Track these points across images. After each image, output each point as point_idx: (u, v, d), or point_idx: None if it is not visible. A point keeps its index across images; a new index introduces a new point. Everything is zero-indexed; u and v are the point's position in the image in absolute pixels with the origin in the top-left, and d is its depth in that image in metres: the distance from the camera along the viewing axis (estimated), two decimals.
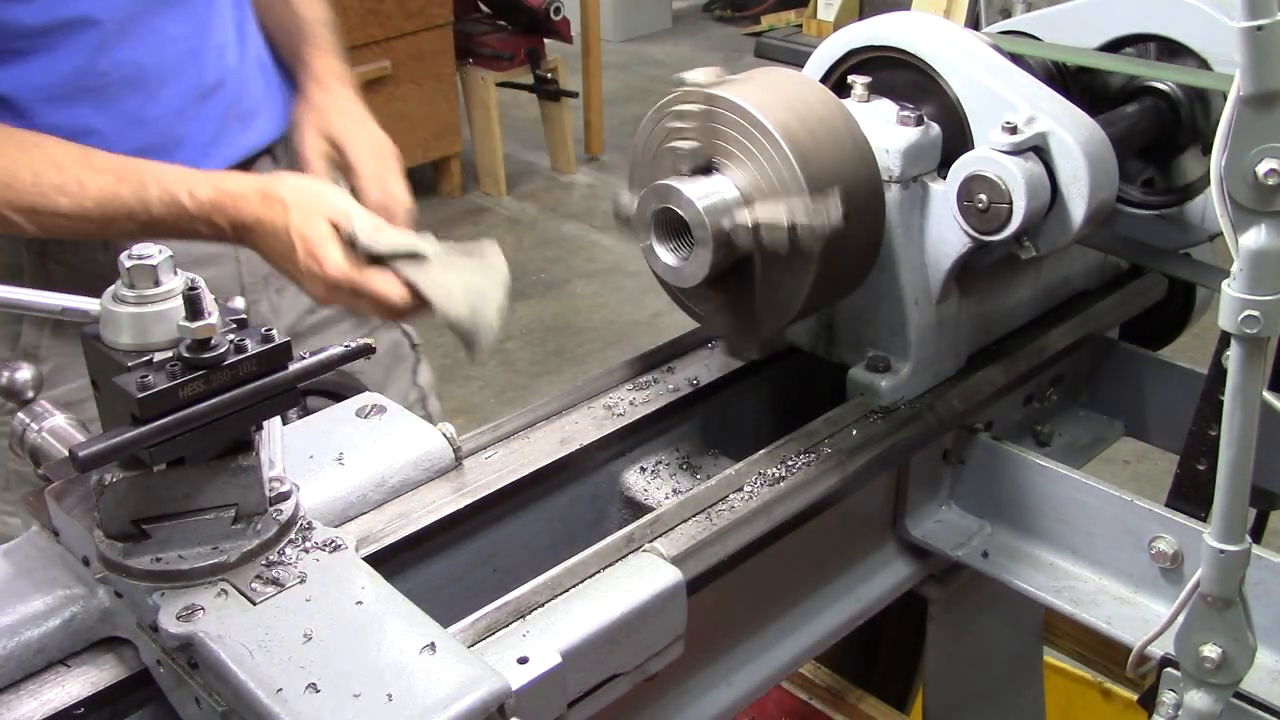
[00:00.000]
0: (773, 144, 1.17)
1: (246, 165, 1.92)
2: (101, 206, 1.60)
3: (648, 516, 1.15)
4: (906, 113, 1.27)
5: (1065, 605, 1.34)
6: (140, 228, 1.61)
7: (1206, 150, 1.50)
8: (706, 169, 1.22)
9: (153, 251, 0.94)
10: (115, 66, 1.74)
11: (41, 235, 1.66)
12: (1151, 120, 1.48)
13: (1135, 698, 1.24)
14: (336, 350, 0.98)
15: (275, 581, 0.94)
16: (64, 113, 1.71)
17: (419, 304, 1.59)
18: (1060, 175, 1.24)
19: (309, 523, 1.01)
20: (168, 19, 1.79)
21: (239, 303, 1.00)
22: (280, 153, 2.01)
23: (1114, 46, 1.43)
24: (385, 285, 1.57)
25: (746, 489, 1.20)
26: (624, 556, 1.10)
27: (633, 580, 1.07)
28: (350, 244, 1.55)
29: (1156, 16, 1.38)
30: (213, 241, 1.66)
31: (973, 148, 1.26)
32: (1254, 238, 0.91)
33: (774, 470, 1.23)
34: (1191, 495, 1.36)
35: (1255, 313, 0.92)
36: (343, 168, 1.82)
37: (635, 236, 1.27)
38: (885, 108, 1.30)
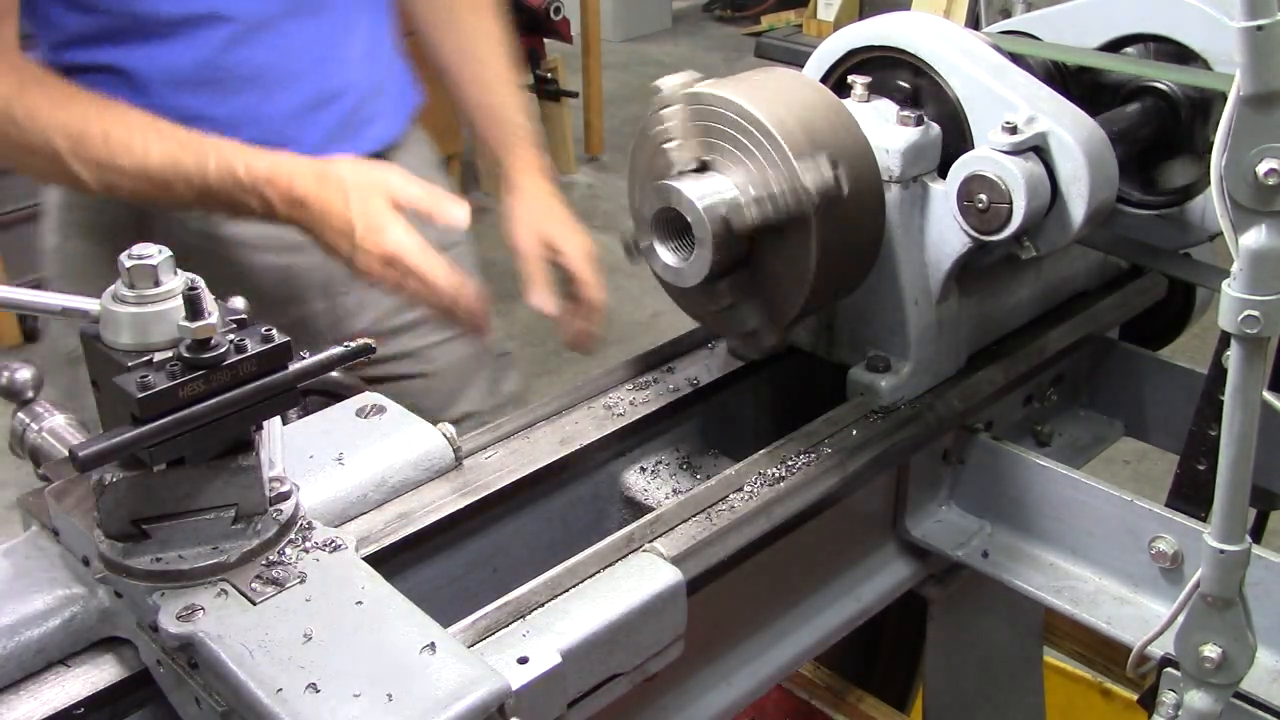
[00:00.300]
0: (771, 143, 1.17)
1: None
2: (161, 170, 1.64)
3: (648, 516, 1.15)
4: (906, 113, 1.27)
5: (1065, 605, 1.34)
6: (195, 195, 1.66)
7: (1206, 150, 1.50)
8: (700, 168, 1.21)
9: (153, 251, 0.94)
10: (240, 64, 1.81)
11: (100, 191, 1.68)
12: (1151, 120, 1.48)
13: (1135, 698, 1.24)
14: (336, 350, 0.98)
15: (275, 581, 0.94)
16: (183, 99, 1.79)
17: (468, 299, 1.69)
18: (1060, 175, 1.24)
19: (309, 523, 1.01)
20: (299, 26, 1.85)
21: (239, 303, 1.00)
22: (392, 157, 2.05)
23: (1114, 46, 1.43)
24: (441, 270, 1.66)
25: (746, 489, 1.20)
26: (624, 556, 1.10)
27: (633, 580, 1.07)
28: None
29: (1156, 16, 1.38)
30: (264, 218, 1.70)
31: (973, 148, 1.26)
32: (1254, 238, 0.91)
33: (774, 470, 1.23)
34: (1191, 495, 1.36)
35: (1255, 313, 0.92)
36: (563, 270, 1.91)
37: (645, 261, 1.27)
38: (885, 108, 1.30)
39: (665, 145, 1.22)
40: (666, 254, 1.24)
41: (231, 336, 0.93)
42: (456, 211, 1.70)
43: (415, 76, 2.19)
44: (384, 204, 1.68)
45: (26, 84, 1.65)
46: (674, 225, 1.22)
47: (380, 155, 2.02)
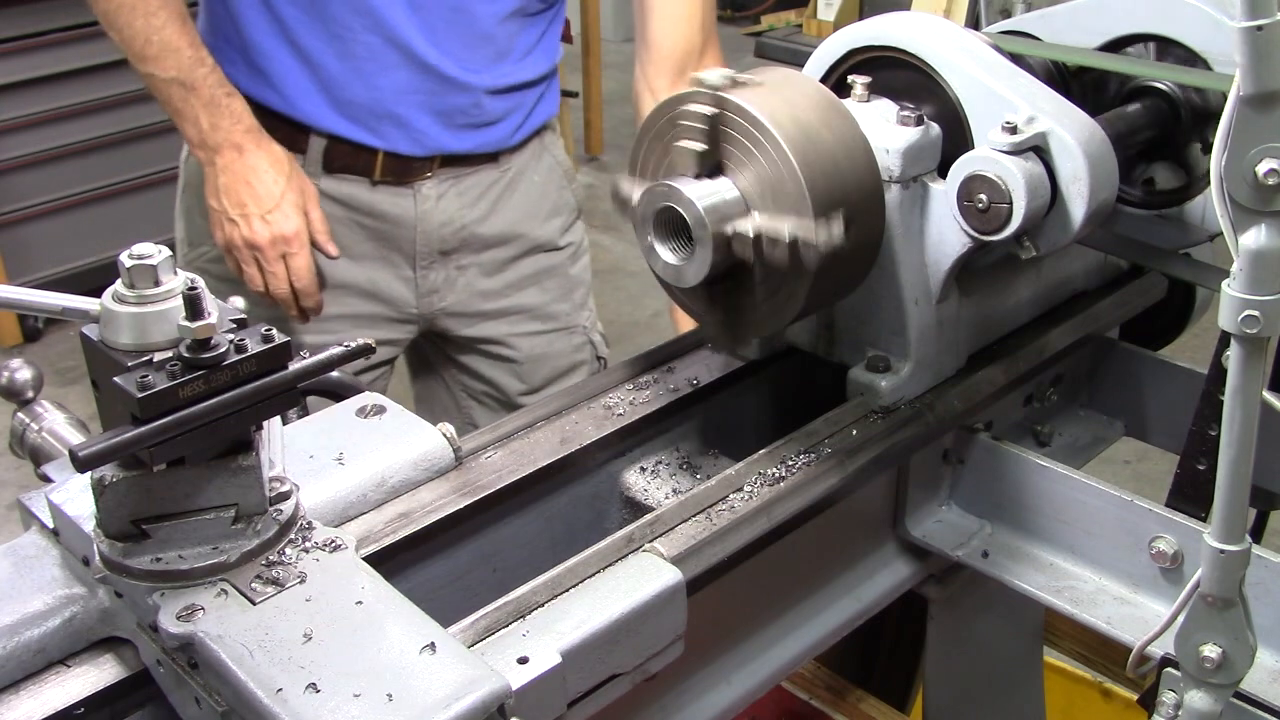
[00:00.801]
0: (773, 145, 1.17)
1: (466, 159, 2.12)
2: (164, 43, 1.89)
3: (648, 516, 1.15)
4: (906, 113, 1.27)
5: (1065, 605, 1.34)
6: (171, 77, 1.90)
7: (1206, 150, 1.50)
8: (711, 171, 1.21)
9: (153, 251, 0.94)
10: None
11: (103, 23, 1.93)
12: (1151, 120, 1.47)
13: (1135, 698, 1.24)
14: (336, 350, 0.98)
15: (275, 581, 0.94)
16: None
17: (308, 304, 2.00)
18: (1060, 175, 1.24)
19: (309, 523, 1.01)
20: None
21: (238, 302, 1.00)
22: (505, 158, 2.18)
23: (1114, 46, 1.43)
24: (308, 276, 1.96)
25: (746, 489, 1.20)
26: (624, 556, 1.10)
27: (633, 580, 1.07)
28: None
29: (1156, 16, 1.38)
30: (188, 140, 1.96)
31: (973, 148, 1.26)
32: (1254, 238, 0.91)
33: (774, 470, 1.23)
34: (1191, 495, 1.36)
35: (1255, 313, 0.92)
36: None
37: (633, 220, 1.27)
38: (885, 108, 1.30)
39: (685, 143, 1.21)
40: (666, 254, 1.24)
41: (231, 336, 0.93)
42: (331, 248, 2.01)
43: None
44: (298, 200, 1.93)
45: None
46: (674, 225, 1.22)
47: (494, 157, 2.16)
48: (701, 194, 1.18)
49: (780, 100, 1.20)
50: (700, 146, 1.21)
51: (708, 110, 1.20)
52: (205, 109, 1.90)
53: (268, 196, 1.91)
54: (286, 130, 2.04)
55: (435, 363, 2.36)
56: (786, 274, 1.22)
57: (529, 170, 2.23)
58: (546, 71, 2.19)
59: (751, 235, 1.16)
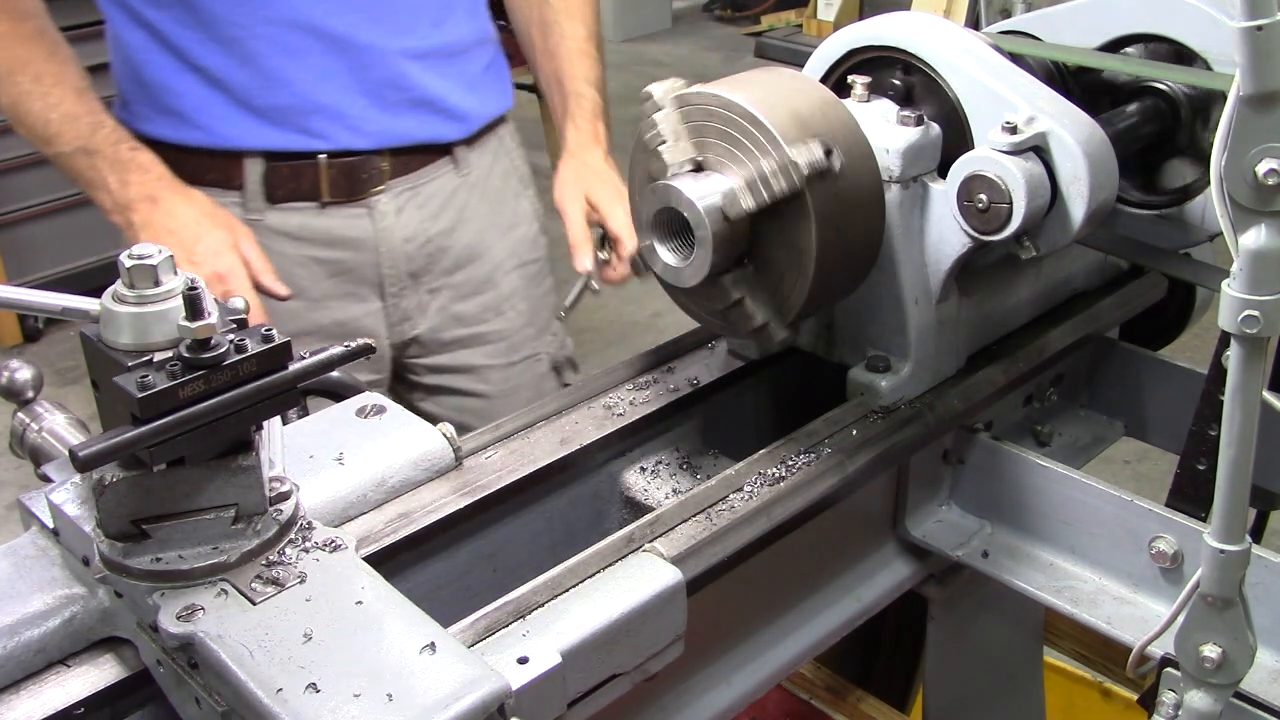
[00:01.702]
0: (761, 130, 1.17)
1: (416, 153, 2.02)
2: (61, 118, 1.81)
3: (648, 516, 1.15)
4: (906, 113, 1.27)
5: (1065, 605, 1.34)
6: (74, 150, 1.83)
7: (1206, 150, 1.50)
8: (696, 170, 1.21)
9: (153, 251, 0.94)
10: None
11: (11, 121, 1.87)
12: (1152, 120, 1.48)
13: (1135, 698, 1.24)
14: (336, 350, 0.98)
15: (275, 581, 0.94)
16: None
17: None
18: (1060, 175, 1.24)
19: (309, 523, 1.00)
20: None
21: (238, 303, 1.00)
22: (462, 156, 2.09)
23: (1114, 46, 1.43)
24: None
25: (746, 489, 1.20)
26: (624, 556, 1.10)
27: (633, 580, 1.07)
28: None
29: (1156, 16, 1.38)
30: (102, 204, 1.87)
31: (973, 148, 1.26)
32: (1254, 238, 0.91)
33: (774, 470, 1.23)
34: (1191, 495, 1.36)
35: (1255, 313, 0.92)
36: (606, 232, 1.98)
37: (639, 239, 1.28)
38: (885, 108, 1.30)
39: (659, 148, 1.22)
40: (666, 254, 1.24)
41: (231, 336, 0.93)
42: (280, 288, 1.84)
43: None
44: (227, 237, 1.79)
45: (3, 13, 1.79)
46: (674, 225, 1.22)
47: (449, 150, 2.06)
48: (701, 193, 1.18)
49: (760, 88, 1.21)
50: (668, 144, 1.21)
51: (678, 113, 1.20)
52: (112, 169, 1.82)
53: (192, 239, 1.78)
54: (219, 167, 1.94)
55: None
56: (791, 248, 1.21)
57: (491, 175, 2.14)
58: (471, 38, 2.07)
59: (737, 190, 1.16)
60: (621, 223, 1.94)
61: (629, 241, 1.93)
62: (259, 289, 1.81)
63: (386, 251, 2.01)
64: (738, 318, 1.29)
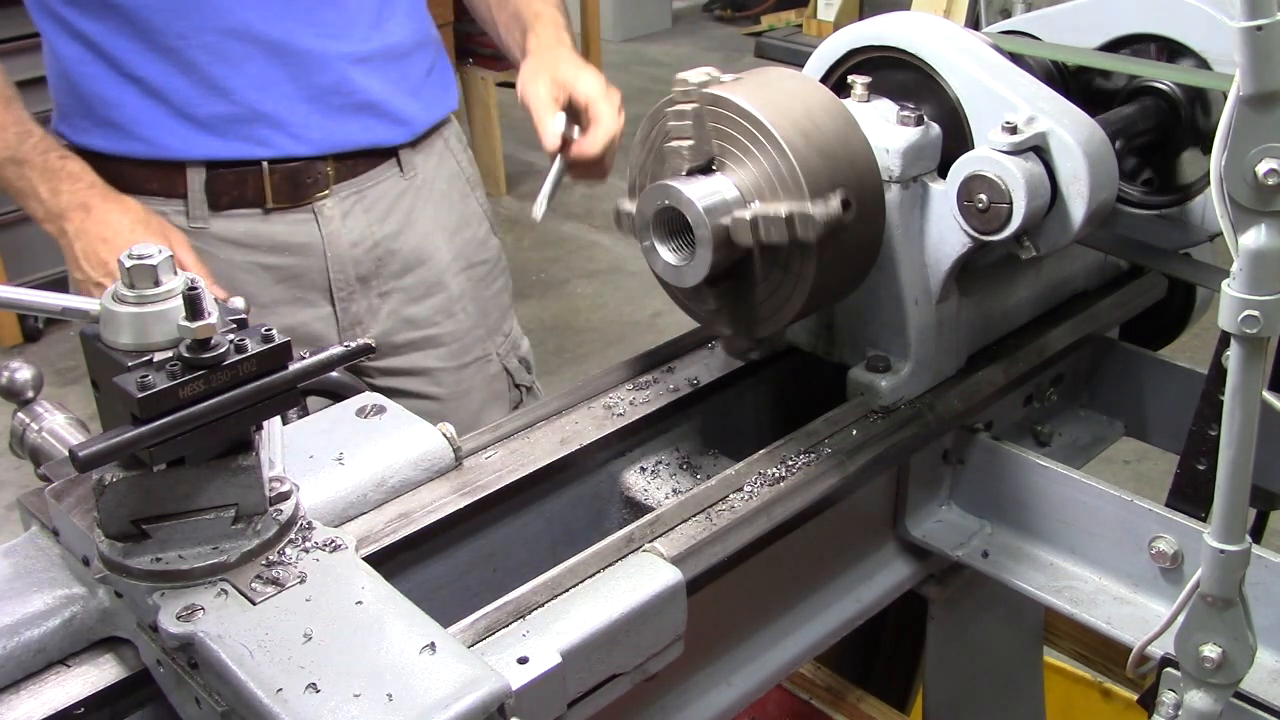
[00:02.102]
0: (772, 144, 1.17)
1: (360, 157, 1.99)
2: None
3: (648, 516, 1.15)
4: (906, 113, 1.27)
5: (1065, 605, 1.34)
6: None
7: (1207, 150, 1.50)
8: (706, 169, 1.22)
9: (152, 251, 0.94)
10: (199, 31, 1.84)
11: None
12: (1151, 120, 1.47)
13: (1135, 698, 1.24)
14: (336, 350, 0.98)
15: (275, 581, 0.94)
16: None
17: None
18: (1060, 175, 1.24)
19: (309, 523, 1.01)
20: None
21: (238, 303, 1.00)
22: (406, 159, 2.06)
23: (1114, 46, 1.43)
24: None
25: (746, 489, 1.20)
26: (624, 556, 1.10)
27: (633, 580, 1.07)
28: None
29: (1156, 16, 1.38)
30: (33, 213, 1.81)
31: (973, 148, 1.26)
32: (1254, 238, 0.91)
33: (774, 470, 1.23)
34: (1191, 495, 1.36)
35: (1255, 313, 0.92)
36: (575, 104, 1.82)
37: (633, 226, 1.28)
38: (885, 108, 1.30)
39: (676, 143, 1.21)
40: (666, 254, 1.24)
41: (231, 336, 0.93)
42: (217, 292, 1.77)
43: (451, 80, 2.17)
44: (164, 242, 1.72)
45: None
46: (674, 225, 1.22)
47: (394, 154, 2.02)
48: (701, 193, 1.18)
49: (764, 90, 1.21)
50: (692, 144, 1.21)
51: (697, 108, 1.20)
52: (41, 178, 1.79)
53: (129, 245, 1.72)
54: (160, 176, 1.91)
55: None
56: (788, 265, 1.22)
57: (436, 177, 2.11)
58: (411, 40, 2.03)
59: (749, 219, 1.16)
60: (591, 88, 1.81)
61: (602, 110, 1.80)
62: None
63: (334, 256, 2.00)
64: (714, 322, 1.31)
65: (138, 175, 1.90)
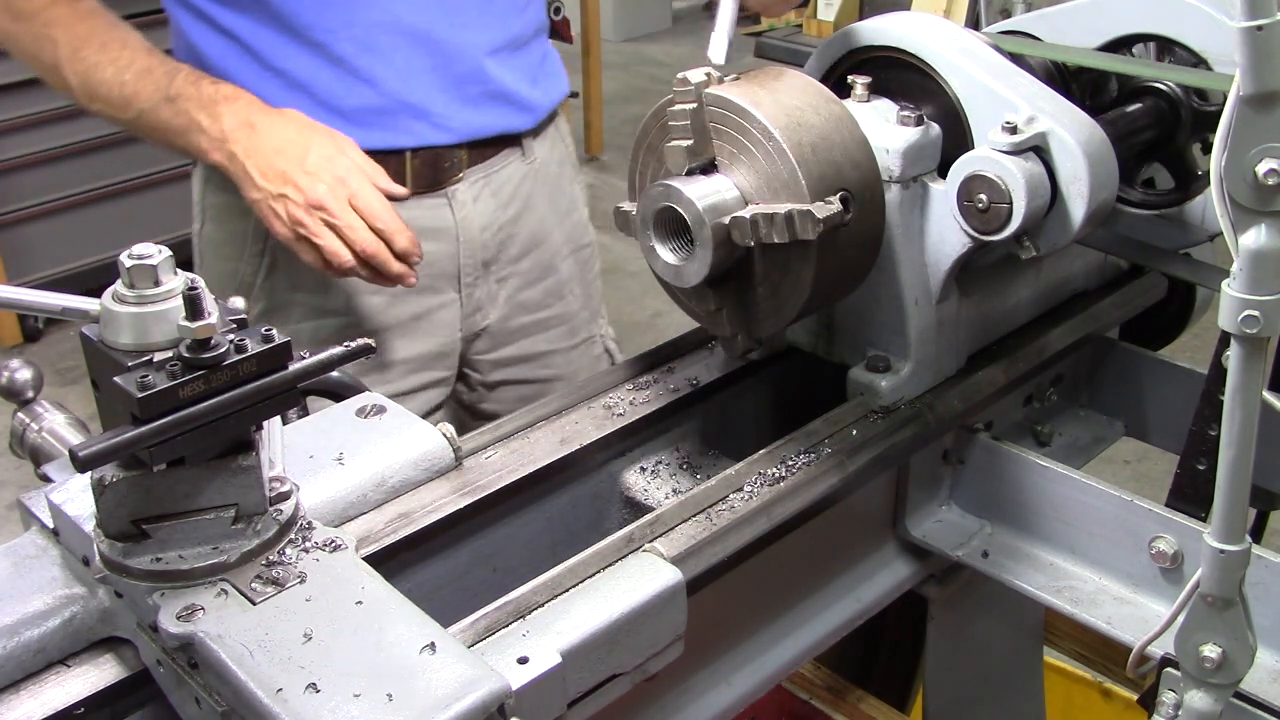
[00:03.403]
0: (772, 144, 1.17)
1: (490, 143, 2.02)
2: (136, 77, 1.79)
3: (648, 516, 1.15)
4: (906, 113, 1.27)
5: (1065, 605, 1.34)
6: (156, 103, 1.79)
7: (1206, 150, 1.50)
8: (706, 169, 1.22)
9: (153, 251, 0.94)
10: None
11: (84, 103, 1.84)
12: (1152, 120, 1.48)
13: (1135, 698, 1.24)
14: (336, 350, 0.98)
15: (275, 581, 0.94)
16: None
17: (401, 246, 1.76)
18: (1060, 175, 1.24)
19: (309, 523, 1.01)
20: None
21: (238, 303, 1.00)
22: (528, 145, 2.08)
23: (1114, 46, 1.43)
24: (383, 216, 1.75)
25: (746, 489, 1.20)
26: (624, 556, 1.10)
27: (633, 580, 1.07)
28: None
29: (1156, 16, 1.38)
30: (198, 146, 1.79)
31: (973, 148, 1.26)
32: (1254, 238, 0.91)
33: (774, 470, 1.23)
34: (1191, 495, 1.36)
35: (1255, 313, 0.92)
36: None
37: (633, 225, 1.28)
38: (885, 108, 1.30)
39: (676, 142, 1.22)
40: (666, 254, 1.24)
41: (231, 336, 0.93)
42: (396, 188, 1.81)
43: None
44: (332, 142, 1.78)
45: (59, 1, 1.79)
46: (674, 225, 1.22)
47: (518, 140, 2.06)
48: (701, 193, 1.18)
49: (764, 90, 1.21)
50: (691, 144, 1.21)
51: (697, 108, 1.20)
52: (199, 109, 1.78)
53: (302, 152, 1.74)
54: None
55: (459, 417, 2.24)
56: (787, 266, 1.22)
57: (550, 161, 2.15)
58: (531, 29, 2.06)
59: (749, 218, 1.17)
60: None
61: None
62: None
63: (465, 241, 2.02)
64: (714, 322, 1.31)
65: None
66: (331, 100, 1.88)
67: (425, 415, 2.04)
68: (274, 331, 0.94)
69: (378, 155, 1.90)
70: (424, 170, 1.95)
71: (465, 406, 2.23)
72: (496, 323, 2.12)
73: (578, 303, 2.24)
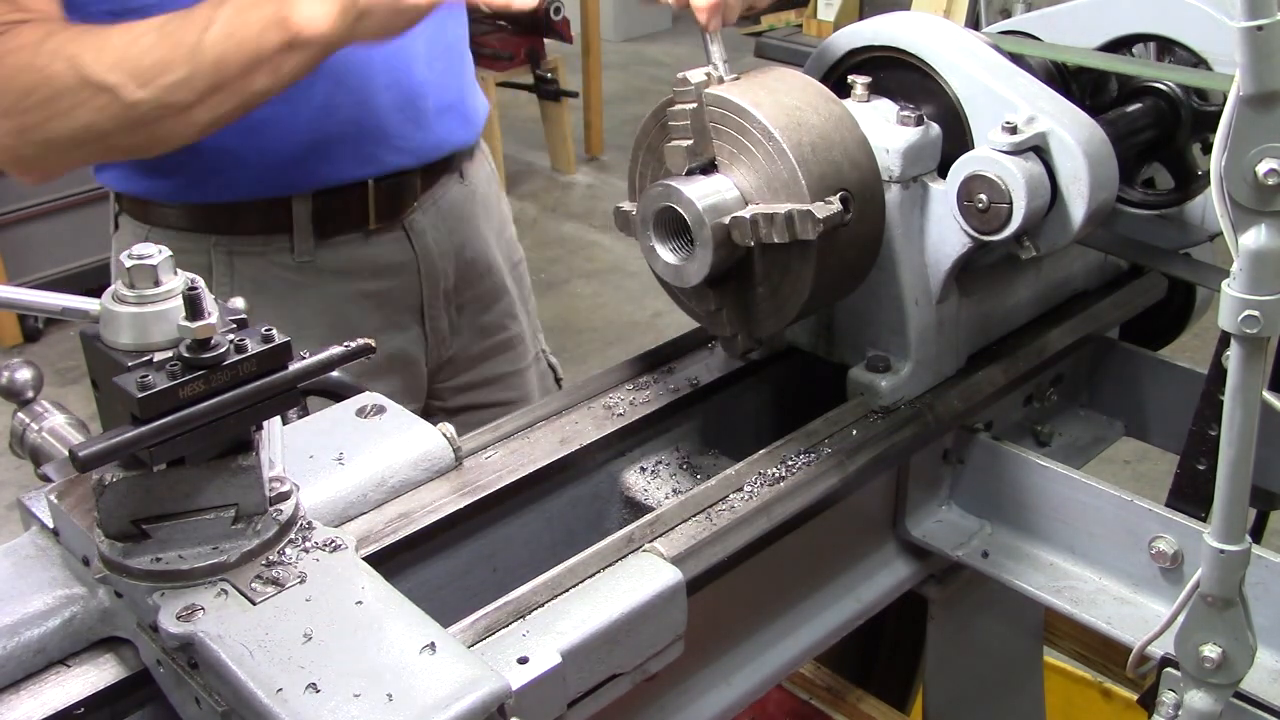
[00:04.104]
0: (772, 144, 1.17)
1: (435, 167, 1.94)
2: (226, 29, 1.45)
3: (648, 516, 1.15)
4: (906, 113, 1.27)
5: (1065, 605, 1.34)
6: (262, 27, 1.45)
7: (1206, 150, 1.50)
8: (706, 169, 1.22)
9: (152, 251, 0.94)
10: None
11: (151, 110, 1.47)
12: (1152, 120, 1.48)
13: (1135, 698, 1.24)
14: (336, 350, 0.98)
15: (275, 581, 0.94)
16: None
17: None
18: (1060, 175, 1.24)
19: (309, 523, 1.01)
20: None
21: (238, 303, 1.00)
22: (465, 166, 2.03)
23: (1114, 46, 1.43)
24: None
25: (746, 489, 1.20)
26: (624, 556, 1.10)
27: (633, 580, 1.07)
28: None
29: (1156, 16, 1.38)
30: (265, 27, 1.45)
31: (973, 148, 1.26)
32: (1254, 238, 0.91)
33: (774, 470, 1.23)
34: (1191, 495, 1.36)
35: (1255, 313, 0.92)
36: None
37: (634, 225, 1.28)
38: (885, 108, 1.30)
39: (676, 142, 1.22)
40: (666, 254, 1.24)
41: (231, 336, 0.93)
42: None
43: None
44: None
45: (54, 32, 1.48)
46: (674, 225, 1.22)
47: (450, 161, 1.99)
48: (701, 193, 1.18)
49: (764, 90, 1.21)
50: (691, 144, 1.21)
51: (698, 108, 1.20)
52: None
53: None
54: (261, 211, 1.78)
55: None
56: (788, 266, 1.22)
57: (480, 179, 2.09)
58: (460, 34, 1.97)
59: (749, 218, 1.17)
60: None
61: None
62: None
63: (427, 273, 1.97)
64: (714, 322, 1.31)
65: (237, 217, 1.78)
66: (293, 135, 1.75)
67: None
68: (274, 331, 0.94)
69: (341, 195, 1.82)
70: (384, 202, 1.88)
71: None
72: (459, 351, 2.09)
73: (525, 321, 2.21)
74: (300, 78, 1.51)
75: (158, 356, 0.91)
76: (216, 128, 1.53)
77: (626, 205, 1.28)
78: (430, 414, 2.15)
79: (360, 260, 1.91)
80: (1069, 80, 1.47)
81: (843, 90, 1.33)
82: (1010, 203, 1.22)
